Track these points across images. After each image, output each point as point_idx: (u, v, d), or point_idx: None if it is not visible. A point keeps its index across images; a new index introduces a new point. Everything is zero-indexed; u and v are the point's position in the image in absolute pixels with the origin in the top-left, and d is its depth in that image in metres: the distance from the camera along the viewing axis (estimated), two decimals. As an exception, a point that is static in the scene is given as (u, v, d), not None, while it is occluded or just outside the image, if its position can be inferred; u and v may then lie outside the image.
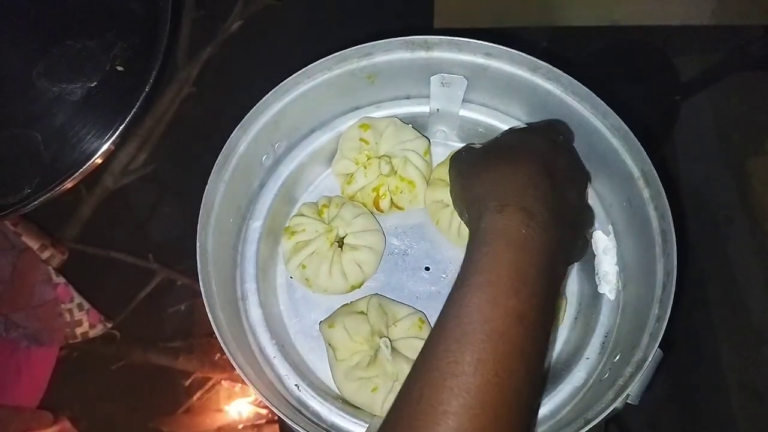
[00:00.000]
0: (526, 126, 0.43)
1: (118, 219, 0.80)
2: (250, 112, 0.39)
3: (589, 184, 0.41)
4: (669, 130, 0.80)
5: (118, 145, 0.72)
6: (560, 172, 0.35)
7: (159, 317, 0.74)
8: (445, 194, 0.43)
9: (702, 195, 0.81)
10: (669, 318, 0.34)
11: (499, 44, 0.41)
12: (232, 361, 0.32)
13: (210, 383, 0.71)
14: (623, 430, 0.69)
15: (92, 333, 0.68)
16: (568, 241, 0.35)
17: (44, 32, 0.52)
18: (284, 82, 0.40)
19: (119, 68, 0.50)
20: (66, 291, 0.69)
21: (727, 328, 0.76)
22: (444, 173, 0.43)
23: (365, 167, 0.44)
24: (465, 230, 0.42)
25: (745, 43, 0.79)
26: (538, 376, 0.31)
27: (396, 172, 0.44)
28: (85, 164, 0.48)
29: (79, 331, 0.68)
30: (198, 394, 0.71)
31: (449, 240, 0.44)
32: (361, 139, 0.44)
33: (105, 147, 0.48)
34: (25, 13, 0.51)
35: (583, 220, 0.39)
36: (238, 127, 0.38)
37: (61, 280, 0.69)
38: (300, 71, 0.40)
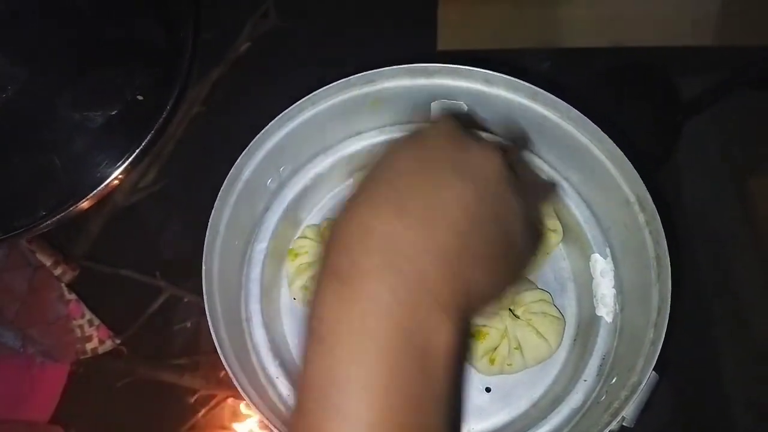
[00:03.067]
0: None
1: (127, 236, 0.81)
2: (255, 138, 0.40)
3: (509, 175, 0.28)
4: (671, 149, 0.81)
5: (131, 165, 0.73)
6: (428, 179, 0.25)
7: (165, 334, 0.75)
8: None
9: (705, 213, 0.82)
10: (672, 336, 0.34)
11: (501, 66, 0.42)
12: (235, 381, 0.33)
13: (215, 400, 0.72)
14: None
15: (101, 349, 0.69)
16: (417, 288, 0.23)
17: (71, 63, 0.54)
18: (289, 109, 0.41)
19: (139, 98, 0.51)
20: (77, 307, 0.71)
21: (731, 346, 0.76)
22: None
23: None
24: None
25: (747, 64, 0.80)
26: None
27: None
28: (96, 188, 0.49)
29: (89, 346, 0.69)
30: (203, 411, 0.72)
31: None
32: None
33: (117, 173, 0.50)
34: (53, 45, 0.53)
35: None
36: (243, 153, 0.40)
37: (73, 296, 0.71)
38: (304, 98, 0.42)
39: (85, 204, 0.50)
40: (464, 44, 0.84)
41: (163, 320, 0.75)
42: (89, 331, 0.68)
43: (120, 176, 0.51)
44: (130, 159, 0.50)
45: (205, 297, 0.36)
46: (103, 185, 0.50)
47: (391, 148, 0.28)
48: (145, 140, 0.50)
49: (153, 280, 0.76)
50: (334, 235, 0.25)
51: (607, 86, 0.83)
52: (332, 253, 0.24)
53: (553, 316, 0.41)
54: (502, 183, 0.26)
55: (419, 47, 0.82)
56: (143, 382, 0.73)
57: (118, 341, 0.71)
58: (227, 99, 0.84)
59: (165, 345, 0.75)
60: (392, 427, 0.21)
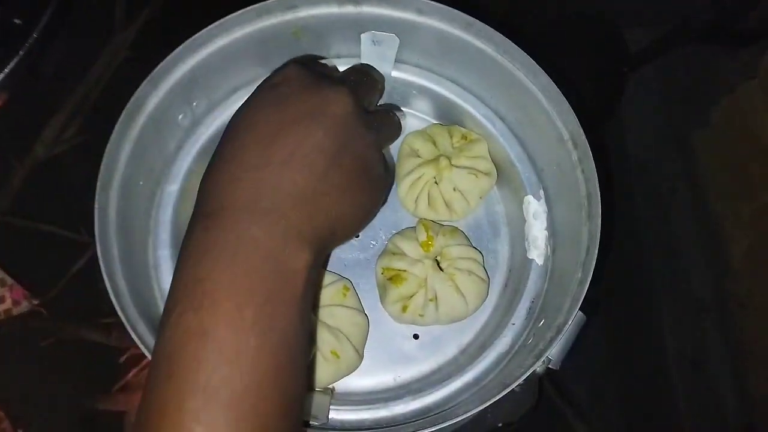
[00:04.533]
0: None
1: (50, 190, 0.76)
2: (159, 66, 0.36)
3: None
4: (617, 101, 0.80)
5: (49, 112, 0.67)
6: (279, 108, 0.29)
7: (92, 292, 0.71)
8: (409, 162, 0.42)
9: (647, 166, 0.82)
10: (609, 286, 0.33)
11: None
12: (130, 331, 0.30)
13: (146, 360, 0.68)
14: (565, 399, 0.70)
15: (16, 310, 0.65)
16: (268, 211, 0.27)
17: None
18: (197, 34, 0.37)
19: (17, 21, 0.46)
20: (-16, 267, 0.66)
21: (669, 298, 0.77)
22: (413, 142, 0.43)
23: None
24: (423, 200, 0.42)
25: (692, 15, 0.79)
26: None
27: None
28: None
29: (2, 308, 0.64)
30: (133, 371, 0.69)
31: (405, 208, 0.43)
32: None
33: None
34: None
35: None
36: (145, 81, 0.36)
37: (-21, 255, 0.66)
38: (216, 23, 0.38)
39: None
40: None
41: (89, 278, 0.71)
42: (1, 291, 0.63)
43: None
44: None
45: (97, 239, 0.33)
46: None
47: (249, 102, 0.31)
48: (10, 66, 0.45)
49: (77, 236, 0.72)
50: (205, 187, 0.28)
51: (557, 35, 0.82)
52: (202, 200, 0.28)
53: (478, 276, 0.39)
54: (352, 118, 0.30)
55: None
56: (69, 342, 0.69)
57: (35, 302, 0.66)
58: (157, 42, 0.78)
59: (92, 304, 0.71)
60: (254, 313, 0.24)
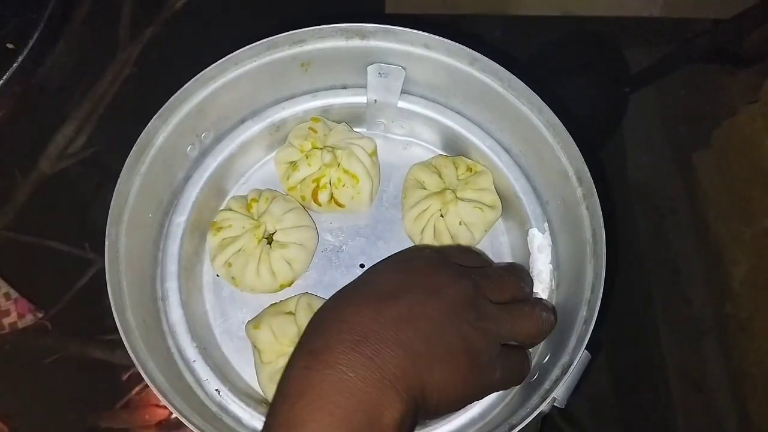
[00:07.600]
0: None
1: (54, 205, 0.76)
2: (170, 100, 0.36)
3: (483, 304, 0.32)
4: (618, 121, 0.81)
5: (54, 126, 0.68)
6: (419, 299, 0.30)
7: (96, 309, 0.71)
8: (415, 194, 0.42)
9: (648, 187, 0.82)
10: (611, 311, 0.33)
11: (450, 32, 0.39)
12: (140, 370, 0.31)
13: (148, 378, 0.69)
14: (566, 419, 0.71)
15: (21, 323, 0.65)
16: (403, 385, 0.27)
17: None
18: (208, 69, 0.38)
19: (9, 46, 0.47)
20: (-10, 281, 0.66)
21: (669, 319, 0.77)
22: (419, 173, 0.43)
23: (308, 156, 0.42)
24: (428, 232, 0.42)
25: (694, 36, 0.80)
26: None
27: (339, 164, 0.42)
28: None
29: (6, 321, 0.65)
30: (136, 389, 0.69)
31: (411, 239, 0.43)
32: (310, 128, 0.43)
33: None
34: None
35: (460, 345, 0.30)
36: (155, 116, 0.36)
37: (-16, 269, 0.66)
38: (225, 57, 0.38)
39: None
40: (413, 8, 0.81)
41: (93, 295, 0.71)
42: (6, 305, 0.64)
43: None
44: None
45: (107, 275, 0.33)
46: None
47: (380, 264, 0.35)
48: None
49: (82, 252, 0.72)
50: (312, 323, 0.30)
51: (557, 55, 0.82)
52: (307, 335, 0.29)
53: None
54: (468, 306, 0.31)
55: (368, 9, 0.78)
56: (73, 359, 0.69)
57: (40, 315, 0.67)
58: (162, 59, 0.79)
59: (96, 320, 0.71)
60: None
